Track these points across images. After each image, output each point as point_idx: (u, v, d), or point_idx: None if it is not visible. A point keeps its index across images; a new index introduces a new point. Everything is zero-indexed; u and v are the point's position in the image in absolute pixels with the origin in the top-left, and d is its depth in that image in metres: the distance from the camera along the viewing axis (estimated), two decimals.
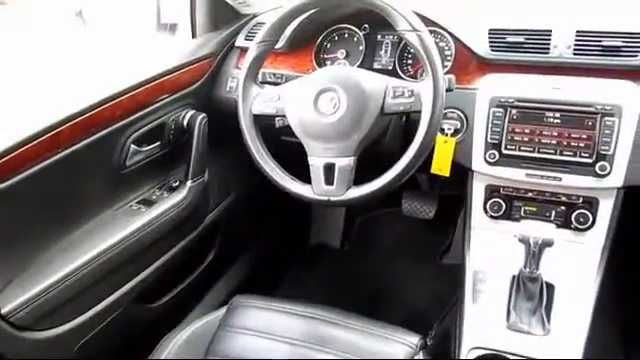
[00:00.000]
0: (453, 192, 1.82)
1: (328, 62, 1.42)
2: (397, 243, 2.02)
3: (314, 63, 1.41)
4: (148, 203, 1.34)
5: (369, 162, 1.11)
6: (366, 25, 1.39)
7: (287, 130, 1.15)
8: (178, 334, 1.15)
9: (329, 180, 1.09)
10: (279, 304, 1.19)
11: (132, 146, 1.29)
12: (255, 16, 1.59)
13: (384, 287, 1.87)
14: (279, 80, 1.26)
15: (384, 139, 1.18)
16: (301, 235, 2.12)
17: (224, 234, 1.66)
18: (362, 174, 1.10)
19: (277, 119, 1.20)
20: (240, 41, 1.52)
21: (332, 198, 1.09)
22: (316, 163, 1.10)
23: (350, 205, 1.20)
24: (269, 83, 1.25)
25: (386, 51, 1.37)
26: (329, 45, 1.43)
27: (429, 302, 1.74)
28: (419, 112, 1.05)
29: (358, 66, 1.37)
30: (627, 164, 1.10)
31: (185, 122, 1.40)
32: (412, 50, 1.29)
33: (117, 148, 1.27)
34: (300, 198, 1.12)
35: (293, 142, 1.15)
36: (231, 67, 1.51)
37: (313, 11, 1.23)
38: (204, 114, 1.41)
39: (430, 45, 1.06)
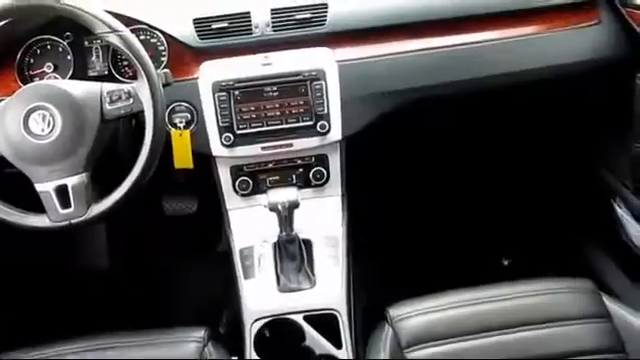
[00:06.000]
0: (208, 182, 1.85)
1: (36, 79, 1.29)
2: (169, 245, 1.98)
3: (19, 83, 1.27)
4: None
5: (108, 172, 1.06)
6: (68, 33, 1.30)
7: (4, 161, 1.04)
8: None
9: (65, 203, 1.03)
10: (50, 349, 1.08)
11: None
12: None
13: (168, 293, 1.83)
14: None
15: (116, 146, 1.15)
16: (63, 266, 1.93)
17: None
18: (106, 186, 1.05)
19: None
20: None
21: (74, 220, 1.03)
22: (44, 189, 1.02)
23: (98, 222, 1.14)
24: None
25: (98, 56, 1.30)
26: (32, 60, 1.30)
27: (216, 292, 1.75)
28: (142, 112, 1.04)
29: (70, 77, 1.28)
30: (340, 118, 1.26)
31: None
32: None
33: None
34: (37, 230, 1.03)
35: (18, 173, 1.04)
36: None
37: None
38: None
39: (134, 43, 1.05)
